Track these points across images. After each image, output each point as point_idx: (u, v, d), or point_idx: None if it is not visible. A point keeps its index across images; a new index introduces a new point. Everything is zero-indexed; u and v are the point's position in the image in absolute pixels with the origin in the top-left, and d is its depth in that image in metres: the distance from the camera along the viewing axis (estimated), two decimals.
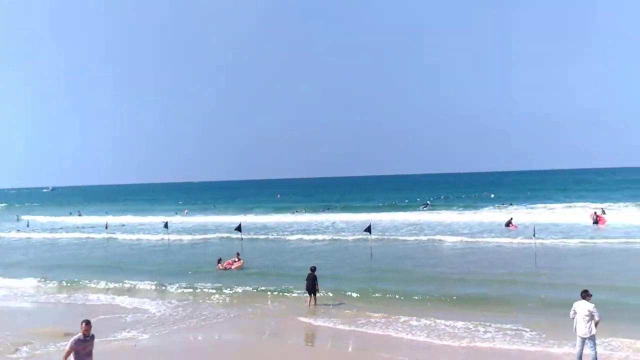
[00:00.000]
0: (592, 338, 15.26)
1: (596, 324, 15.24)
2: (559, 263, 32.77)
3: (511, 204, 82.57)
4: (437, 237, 45.99)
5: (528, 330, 19.22)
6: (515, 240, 42.53)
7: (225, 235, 53.68)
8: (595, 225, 52.18)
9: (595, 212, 57.09)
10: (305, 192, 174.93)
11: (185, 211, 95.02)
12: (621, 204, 73.22)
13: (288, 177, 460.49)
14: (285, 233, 54.40)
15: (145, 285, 29.55)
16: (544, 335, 18.45)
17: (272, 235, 53.03)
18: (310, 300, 24.45)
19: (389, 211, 79.00)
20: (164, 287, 28.84)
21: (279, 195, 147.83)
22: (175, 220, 74.26)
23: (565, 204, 78.00)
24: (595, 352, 15.26)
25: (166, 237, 52.37)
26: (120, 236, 57.39)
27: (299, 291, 25.62)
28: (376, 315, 21.94)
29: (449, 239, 44.53)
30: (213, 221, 72.94)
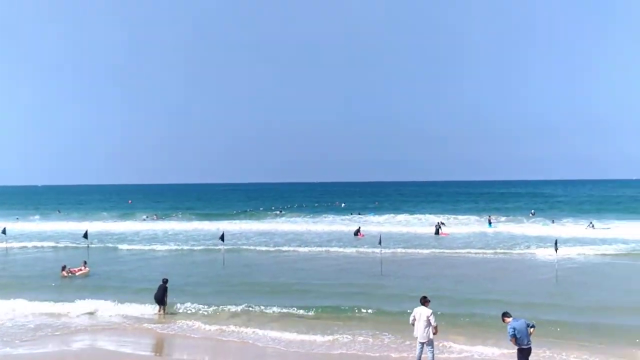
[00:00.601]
0: (431, 342, 16.27)
1: (434, 329, 16.33)
2: (403, 271, 34.44)
3: (359, 214, 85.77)
4: (286, 248, 46.19)
5: (387, 334, 20.21)
6: (362, 250, 44.07)
7: (70, 243, 51.07)
8: (437, 235, 55.60)
9: (437, 223, 61.07)
10: (157, 198, 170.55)
11: (36, 217, 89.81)
12: (460, 216, 78.47)
13: (141, 182, 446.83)
14: (135, 241, 52.83)
15: None
16: (400, 339, 19.41)
17: (122, 243, 51.11)
18: (160, 311, 24.07)
19: (243, 219, 79.26)
20: (3, 299, 26.86)
21: (130, 201, 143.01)
22: (17, 226, 69.51)
23: (409, 215, 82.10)
24: (433, 356, 16.28)
25: (3, 244, 48.78)
26: None
27: (149, 301, 24.90)
28: (230, 325, 21.89)
29: (300, 249, 45.26)
30: (58, 228, 68.82)
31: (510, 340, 15.04)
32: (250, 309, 24.48)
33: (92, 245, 45.97)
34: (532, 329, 15.07)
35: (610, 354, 17.67)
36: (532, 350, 15.26)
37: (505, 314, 15.56)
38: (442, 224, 63.01)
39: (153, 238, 56.16)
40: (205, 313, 24.06)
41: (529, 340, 14.96)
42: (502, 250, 42.65)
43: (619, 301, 25.31)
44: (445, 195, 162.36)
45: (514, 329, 14.87)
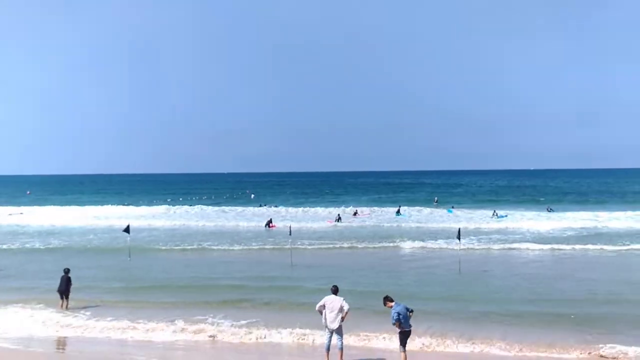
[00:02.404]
0: (340, 330, 16.39)
1: (344, 317, 16.34)
2: (312, 261, 34.89)
3: (267, 205, 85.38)
4: (191, 243, 43.82)
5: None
6: (272, 241, 43.80)
7: None
8: (338, 222, 57.97)
9: (338, 214, 62.23)
10: (59, 189, 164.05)
11: None
12: (369, 206, 79.66)
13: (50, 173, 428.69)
14: (29, 235, 50.65)
15: None
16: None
17: (15, 238, 48.67)
18: (62, 304, 23.28)
19: (148, 212, 77.00)
20: None
21: (28, 192, 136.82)
22: None
23: (319, 206, 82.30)
24: (342, 343, 16.37)
25: None
26: None
27: (52, 295, 23.85)
28: (139, 319, 21.21)
29: (207, 243, 43.51)
30: None
31: (394, 324, 15.74)
32: (164, 303, 24.08)
33: None
34: (410, 313, 15.92)
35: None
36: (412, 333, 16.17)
37: (387, 298, 16.28)
38: (354, 214, 64.51)
39: (55, 230, 54.35)
40: (112, 307, 23.38)
41: (409, 324, 15.80)
42: (408, 243, 42.12)
43: (520, 291, 26.03)
44: (353, 186, 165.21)
45: (398, 313, 15.62)
